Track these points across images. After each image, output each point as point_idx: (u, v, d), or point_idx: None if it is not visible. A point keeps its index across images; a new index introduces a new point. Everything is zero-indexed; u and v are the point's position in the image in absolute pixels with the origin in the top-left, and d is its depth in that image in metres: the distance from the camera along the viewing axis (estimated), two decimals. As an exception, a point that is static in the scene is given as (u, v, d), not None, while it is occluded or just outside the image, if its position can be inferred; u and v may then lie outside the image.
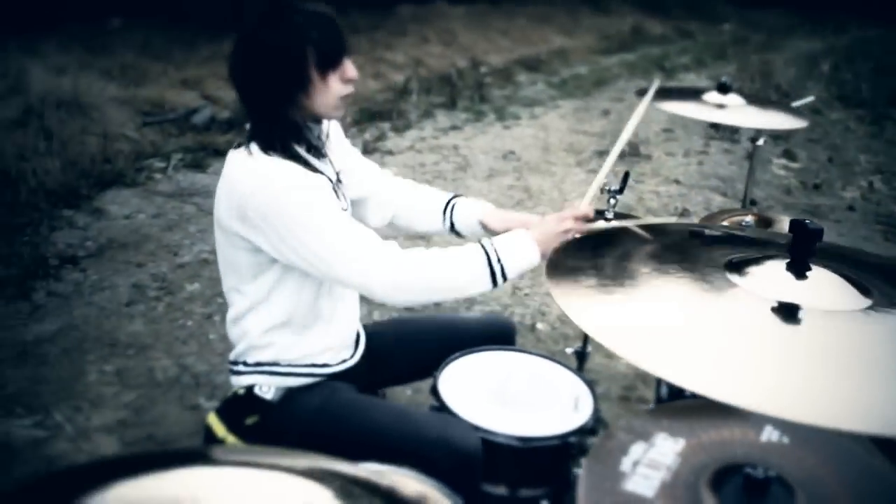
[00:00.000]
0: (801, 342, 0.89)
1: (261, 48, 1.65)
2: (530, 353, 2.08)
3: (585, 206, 1.83)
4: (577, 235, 1.76)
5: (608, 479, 1.26)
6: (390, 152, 6.51)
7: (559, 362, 2.03)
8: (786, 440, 1.34)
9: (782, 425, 1.38)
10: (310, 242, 1.63)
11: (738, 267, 1.01)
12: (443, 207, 2.10)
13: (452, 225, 2.11)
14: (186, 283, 3.96)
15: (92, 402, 2.96)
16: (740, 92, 2.31)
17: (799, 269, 0.97)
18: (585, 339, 2.52)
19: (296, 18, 1.65)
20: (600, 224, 1.83)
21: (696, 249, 1.22)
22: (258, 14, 1.68)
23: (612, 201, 2.14)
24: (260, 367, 1.85)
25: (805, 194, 6.10)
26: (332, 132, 1.95)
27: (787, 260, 0.97)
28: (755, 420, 1.39)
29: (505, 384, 1.92)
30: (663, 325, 1.06)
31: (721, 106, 2.29)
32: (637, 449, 1.31)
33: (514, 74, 10.32)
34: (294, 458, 0.82)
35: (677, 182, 6.14)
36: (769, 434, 1.36)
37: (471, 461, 1.68)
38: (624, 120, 7.91)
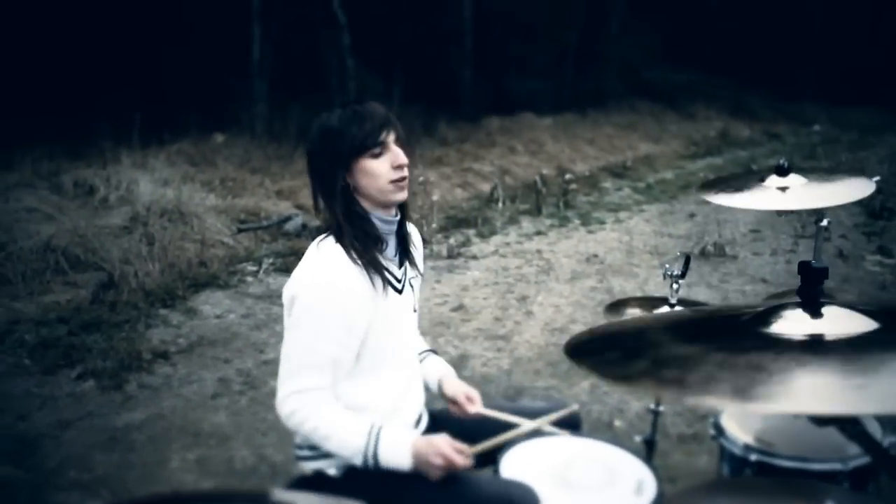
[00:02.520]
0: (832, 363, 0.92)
1: (312, 139, 1.89)
2: (594, 438, 2.07)
3: (466, 459, 1.82)
4: (441, 474, 1.80)
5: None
6: (474, 257, 6.62)
7: (623, 447, 2.01)
8: (847, 518, 1.29)
9: (843, 500, 1.33)
10: (286, 344, 1.85)
11: (760, 322, 1.03)
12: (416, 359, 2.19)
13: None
14: (270, 379, 4.07)
15: (173, 488, 3.05)
16: (801, 170, 2.31)
17: (813, 308, 0.99)
18: (654, 430, 2.47)
19: (342, 112, 1.85)
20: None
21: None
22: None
23: (675, 286, 2.15)
24: (321, 450, 1.91)
25: (901, 290, 5.88)
26: (414, 234, 2.10)
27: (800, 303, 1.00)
28: (814, 495, 1.35)
29: (567, 467, 1.91)
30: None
31: (783, 188, 2.29)
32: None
33: (599, 181, 10.43)
34: None
35: (764, 281, 6.01)
36: (829, 511, 1.31)
37: None
38: (710, 221, 7.89)
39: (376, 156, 1.83)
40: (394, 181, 1.84)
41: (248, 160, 9.26)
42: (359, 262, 1.82)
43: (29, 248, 5.79)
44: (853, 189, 2.23)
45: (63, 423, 3.62)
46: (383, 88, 12.30)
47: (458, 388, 2.14)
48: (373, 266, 1.84)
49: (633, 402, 3.87)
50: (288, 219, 7.14)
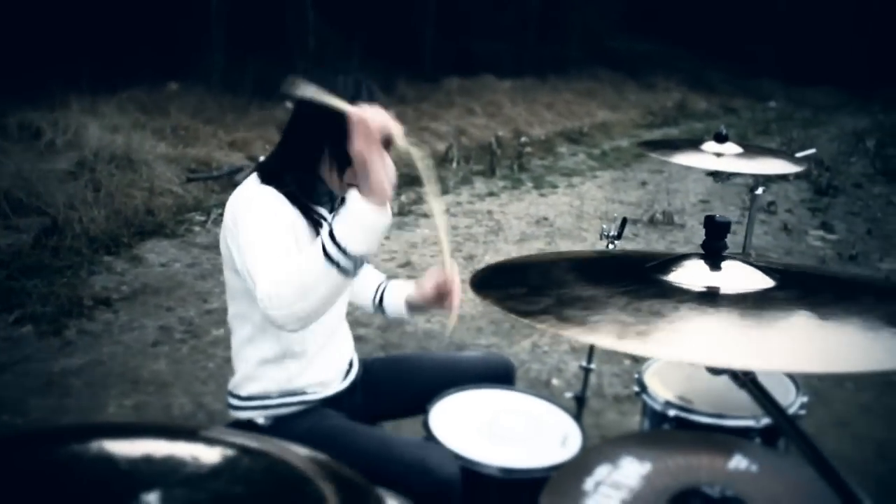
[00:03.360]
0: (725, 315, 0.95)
1: (309, 115, 1.79)
2: (523, 391, 2.11)
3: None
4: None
5: (569, 496, 1.27)
6: (425, 215, 6.63)
7: (551, 401, 2.05)
8: (754, 468, 1.34)
9: (752, 454, 1.38)
10: (244, 255, 1.70)
11: (660, 269, 1.06)
12: (373, 291, 2.16)
13: (382, 308, 2.16)
14: (212, 328, 4.06)
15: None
16: (738, 142, 2.38)
17: (714, 262, 1.02)
18: (584, 387, 2.53)
19: (340, 83, 1.76)
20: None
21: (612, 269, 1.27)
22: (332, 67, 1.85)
23: (612, 247, 2.19)
24: (252, 401, 1.93)
25: (840, 264, 6.03)
26: None
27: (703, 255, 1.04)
28: (725, 448, 1.39)
29: (495, 420, 1.95)
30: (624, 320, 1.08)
31: (719, 154, 2.34)
32: (602, 470, 1.32)
33: (555, 146, 10.47)
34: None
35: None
36: (738, 462, 1.35)
37: (447, 487, 1.70)
38: (660, 190, 8.00)
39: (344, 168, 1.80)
40: (350, 184, 1.83)
41: (203, 110, 9.11)
42: (289, 199, 1.80)
43: (-31, 190, 5.66)
44: (783, 163, 2.28)
45: (-1, 366, 3.59)
46: (344, 44, 12.13)
47: (425, 288, 2.04)
48: (303, 206, 1.83)
49: (571, 361, 3.94)
50: (239, 170, 7.06)
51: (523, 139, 9.63)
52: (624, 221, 2.22)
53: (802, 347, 0.91)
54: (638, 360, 3.99)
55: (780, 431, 1.75)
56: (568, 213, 7.05)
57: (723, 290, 1.00)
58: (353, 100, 1.67)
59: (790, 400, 1.80)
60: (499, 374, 2.18)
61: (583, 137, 11.18)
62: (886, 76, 17.20)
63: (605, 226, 2.26)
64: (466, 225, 6.43)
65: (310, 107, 1.73)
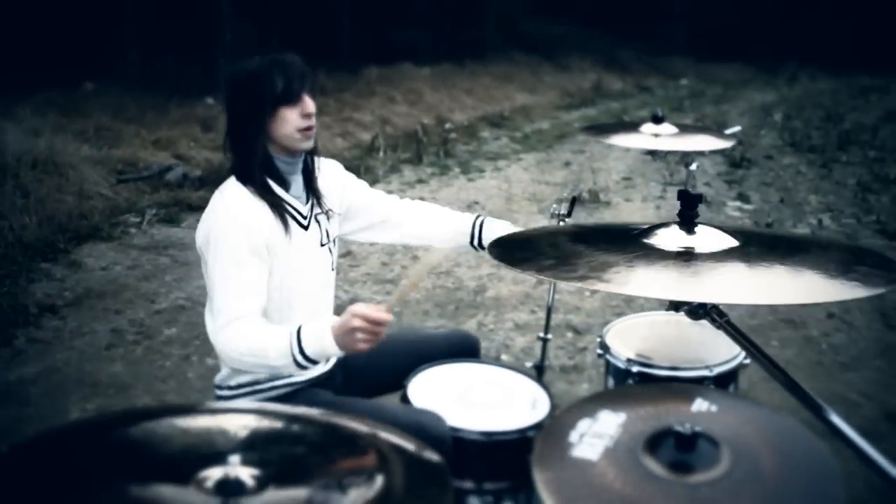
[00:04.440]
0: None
1: (233, 85, 1.97)
2: (491, 363, 2.27)
3: (384, 314, 1.83)
4: (368, 338, 1.82)
5: (558, 448, 1.43)
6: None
7: (517, 370, 2.21)
8: (714, 409, 1.51)
9: (710, 397, 1.55)
10: (211, 281, 1.92)
11: (644, 234, 1.23)
12: (469, 229, 2.31)
13: (480, 243, 2.30)
14: (164, 328, 4.10)
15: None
16: (673, 123, 2.59)
17: (689, 227, 1.19)
18: (543, 356, 2.70)
19: (262, 60, 1.93)
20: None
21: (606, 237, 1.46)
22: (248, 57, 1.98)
23: (562, 225, 2.35)
24: (242, 390, 2.03)
25: (758, 235, 6.39)
26: (329, 171, 2.20)
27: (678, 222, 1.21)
28: (687, 394, 1.57)
29: (469, 390, 2.10)
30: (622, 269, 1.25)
31: (656, 135, 2.54)
32: (583, 424, 1.47)
33: (478, 131, 10.65)
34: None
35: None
36: (699, 405, 1.53)
37: (442, 445, 1.85)
38: (584, 170, 8.26)
39: (290, 104, 1.93)
40: (302, 129, 1.95)
41: (122, 109, 8.95)
42: (261, 198, 1.92)
43: None
44: (712, 143, 2.49)
45: (-50, 380, 3.56)
46: (260, 37, 12.04)
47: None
48: (275, 204, 1.94)
49: (517, 337, 4.13)
50: (168, 169, 7.01)
51: (448, 125, 9.79)
52: (573, 200, 2.38)
53: (746, 286, 1.08)
54: (580, 332, 4.20)
55: (730, 378, 1.95)
56: (497, 197, 7.23)
57: (697, 250, 1.16)
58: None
59: (736, 351, 2.01)
60: (466, 348, 2.34)
61: (504, 121, 11.40)
62: (789, 51, 17.97)
63: (555, 205, 2.43)
64: (401, 213, 6.54)
65: (238, 95, 1.94)
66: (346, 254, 5.41)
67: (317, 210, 2.11)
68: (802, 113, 12.42)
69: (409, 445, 1.07)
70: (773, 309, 4.68)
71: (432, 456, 1.07)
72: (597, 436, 1.42)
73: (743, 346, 1.15)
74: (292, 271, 2.01)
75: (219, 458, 0.92)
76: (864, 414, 3.46)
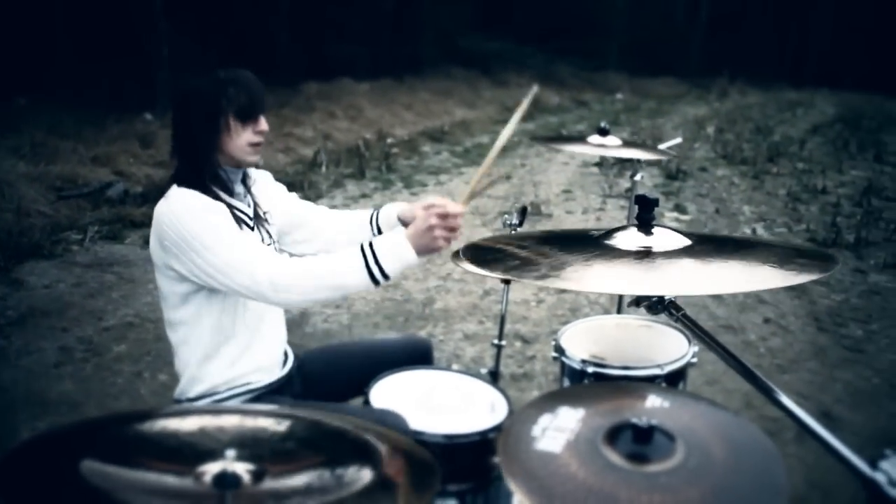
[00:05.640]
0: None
1: (187, 97, 1.98)
2: (449, 369, 2.35)
3: (456, 205, 1.91)
4: (446, 234, 1.87)
5: (522, 441, 1.51)
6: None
7: (475, 376, 2.30)
8: (667, 404, 1.61)
9: (662, 394, 1.66)
10: (209, 258, 1.87)
11: (605, 237, 1.34)
12: (369, 220, 2.32)
13: (380, 230, 2.31)
14: (113, 345, 4.07)
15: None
16: (616, 136, 2.75)
17: (646, 229, 1.30)
18: (497, 362, 2.79)
19: (219, 74, 1.97)
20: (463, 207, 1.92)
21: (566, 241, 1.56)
22: (192, 72, 2.00)
23: (513, 233, 2.45)
24: (202, 400, 2.07)
25: (693, 245, 6.61)
26: (261, 179, 2.24)
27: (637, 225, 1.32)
28: (640, 391, 1.67)
29: (429, 395, 2.17)
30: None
31: (602, 146, 2.68)
32: (545, 419, 1.56)
33: (419, 145, 10.76)
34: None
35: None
36: (652, 401, 1.63)
37: None
38: (525, 183, 8.43)
39: (246, 122, 1.98)
40: (252, 144, 2.00)
41: (58, 125, 8.79)
42: (212, 199, 1.96)
43: None
44: (652, 154, 2.63)
45: None
46: (199, 52, 11.96)
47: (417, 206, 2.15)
48: (225, 204, 1.99)
49: (466, 347, 4.22)
50: (109, 185, 6.93)
51: (389, 140, 9.87)
52: (524, 210, 2.48)
53: (701, 278, 1.19)
54: (528, 341, 4.31)
55: (679, 377, 2.07)
56: (441, 210, 7.32)
57: (655, 249, 1.26)
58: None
59: (685, 350, 2.13)
60: (420, 353, 2.42)
61: (444, 136, 11.54)
62: (719, 66, 18.55)
63: (506, 215, 2.53)
64: (346, 227, 6.58)
65: (192, 108, 1.95)
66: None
67: (259, 211, 2.16)
68: (734, 126, 12.86)
69: (390, 436, 1.14)
70: (712, 316, 4.88)
71: (414, 446, 1.14)
72: (558, 430, 1.51)
73: (699, 337, 1.25)
74: None
75: (215, 454, 0.98)
76: (800, 413, 3.64)
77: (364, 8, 14.83)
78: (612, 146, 2.70)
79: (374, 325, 4.50)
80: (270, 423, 1.11)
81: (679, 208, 7.65)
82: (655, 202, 1.34)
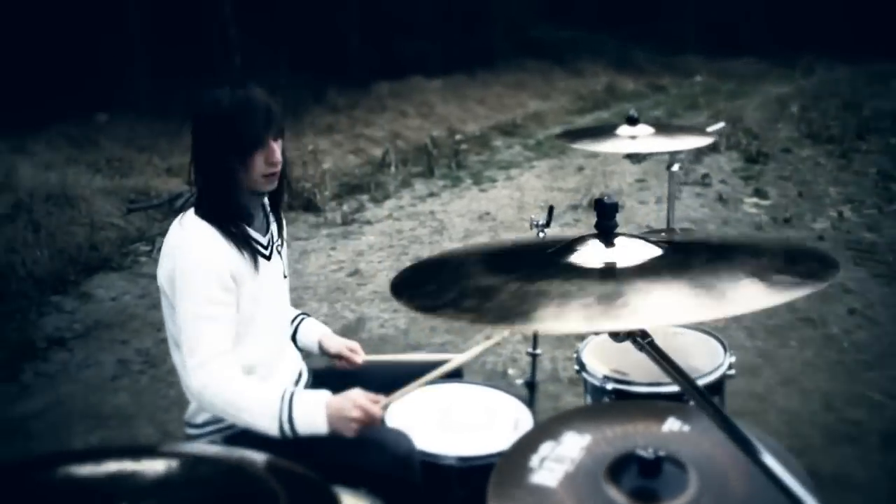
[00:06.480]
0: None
1: (203, 123, 1.93)
2: (474, 382, 2.23)
3: (380, 410, 1.88)
4: (359, 428, 1.85)
5: (517, 473, 1.38)
6: (368, 222, 6.72)
7: (502, 389, 2.17)
8: (686, 429, 1.45)
9: (685, 416, 1.50)
10: (180, 321, 1.89)
11: (562, 253, 1.19)
12: (291, 320, 2.30)
13: (294, 339, 2.31)
14: (168, 357, 4.09)
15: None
16: (649, 123, 2.56)
17: (608, 240, 1.15)
18: (533, 372, 2.66)
19: (231, 100, 1.89)
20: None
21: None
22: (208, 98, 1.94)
23: (542, 235, 2.31)
24: (208, 427, 2.04)
25: (776, 228, 6.26)
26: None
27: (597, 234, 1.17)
28: (660, 413, 1.51)
29: (449, 411, 2.06)
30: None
31: (633, 137, 2.50)
32: (546, 447, 1.42)
33: (490, 140, 10.62)
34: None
35: (649, 227, 6.33)
36: (671, 425, 1.47)
37: (405, 463, 1.81)
38: (597, 174, 8.19)
39: (256, 150, 1.90)
40: (266, 175, 1.93)
41: (134, 138, 9.05)
42: (226, 236, 1.90)
43: None
44: (694, 138, 2.44)
45: (-43, 419, 3.59)
46: (270, 57, 12.12)
47: (339, 343, 2.27)
48: (240, 238, 1.92)
49: (524, 350, 4.07)
50: (179, 196, 7.05)
51: (458, 136, 9.76)
52: (551, 210, 2.34)
53: (668, 304, 1.04)
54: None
55: (713, 393, 1.89)
56: (509, 206, 7.19)
57: (619, 265, 1.12)
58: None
59: (718, 361, 1.94)
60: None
61: (516, 129, 11.36)
62: (804, 42, 17.73)
63: (533, 215, 2.39)
64: (411, 228, 6.53)
65: (204, 126, 1.90)
66: (354, 272, 5.40)
67: (277, 241, 2.10)
68: (820, 103, 12.23)
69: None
70: (790, 307, 4.60)
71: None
72: (558, 460, 1.37)
73: (667, 372, 1.10)
74: (258, 303, 1.99)
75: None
76: (888, 415, 3.35)
77: (433, 4, 14.76)
78: (644, 136, 2.51)
79: (430, 329, 4.40)
80: (185, 466, 1.02)
81: (759, 193, 7.29)
82: (615, 207, 1.18)
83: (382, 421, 1.92)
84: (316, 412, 1.84)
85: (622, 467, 1.31)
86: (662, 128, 2.60)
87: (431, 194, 7.78)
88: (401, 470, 1.81)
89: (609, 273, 1.10)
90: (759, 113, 11.77)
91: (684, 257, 1.14)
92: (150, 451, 1.07)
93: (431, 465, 1.85)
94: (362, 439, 1.85)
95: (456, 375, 2.30)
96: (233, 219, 1.93)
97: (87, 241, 5.85)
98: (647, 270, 1.07)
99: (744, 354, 3.99)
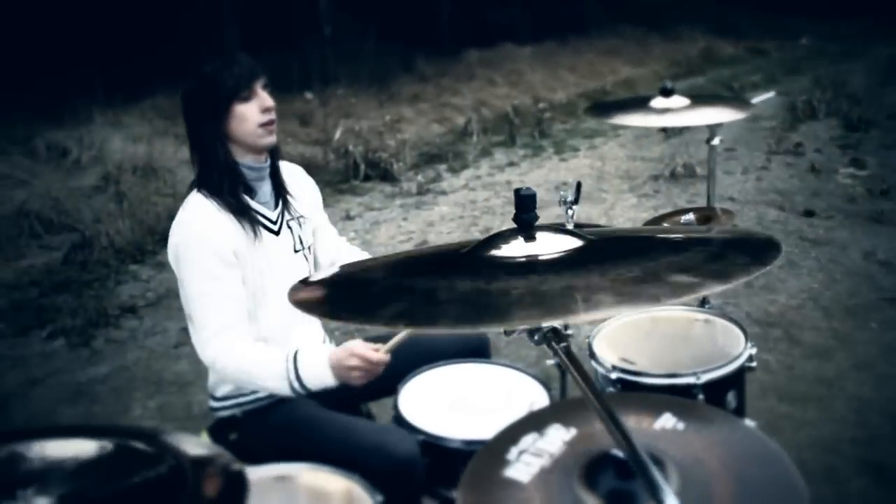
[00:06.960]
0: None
1: (186, 93, 1.98)
2: (494, 363, 2.16)
3: (383, 355, 1.91)
4: (364, 376, 1.89)
5: (493, 466, 1.32)
6: (444, 192, 6.68)
7: (521, 370, 2.10)
8: (680, 426, 1.36)
9: (682, 412, 1.41)
10: (187, 297, 1.95)
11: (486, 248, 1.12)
12: None
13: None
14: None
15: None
16: (684, 93, 2.39)
17: (528, 234, 1.07)
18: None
19: (211, 63, 1.93)
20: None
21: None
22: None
23: (570, 212, 2.21)
24: (228, 400, 2.05)
25: (870, 201, 5.88)
26: (299, 175, 2.18)
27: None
28: (657, 407, 1.42)
29: (464, 394, 2.01)
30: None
31: (666, 109, 2.35)
32: (528, 439, 1.36)
33: (577, 108, 10.38)
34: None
35: (731, 199, 6.07)
36: (665, 421, 1.38)
37: (407, 466, 1.77)
38: (682, 143, 7.87)
39: (245, 100, 1.91)
40: (262, 125, 1.93)
41: (224, 110, 9.25)
42: (226, 208, 1.90)
43: (2, 215, 5.88)
44: (734, 111, 2.28)
45: (32, 381, 3.76)
46: (359, 27, 12.16)
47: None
48: (240, 212, 1.92)
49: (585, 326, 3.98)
50: (261, 166, 7.19)
51: (541, 105, 9.57)
52: (579, 186, 2.23)
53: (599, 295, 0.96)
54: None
55: (725, 386, 1.77)
56: (588, 176, 7.02)
57: (541, 257, 1.04)
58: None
59: (739, 350, 1.81)
60: (473, 349, 2.23)
61: (605, 96, 11.04)
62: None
63: (562, 192, 2.28)
64: (485, 198, 6.46)
65: (192, 102, 1.96)
66: (422, 244, 5.39)
67: (288, 216, 2.09)
68: (939, 64, 11.41)
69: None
70: (876, 286, 4.33)
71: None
72: (536, 454, 1.30)
73: (575, 380, 1.02)
74: (265, 278, 1.99)
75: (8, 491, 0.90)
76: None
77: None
78: (678, 108, 2.35)
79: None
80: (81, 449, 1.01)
81: (856, 163, 6.85)
82: (533, 199, 1.10)
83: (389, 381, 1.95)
84: (321, 366, 1.88)
85: (598, 467, 1.24)
86: (699, 99, 2.44)
87: (511, 164, 7.68)
88: (403, 473, 1.77)
89: (532, 267, 1.02)
90: (865, 77, 11.09)
91: (605, 251, 1.05)
92: (82, 432, 1.08)
93: (437, 448, 1.81)
94: (365, 444, 1.82)
95: (482, 356, 2.25)
96: (231, 190, 1.92)
97: (166, 211, 6.02)
98: (571, 263, 1.00)
99: (816, 336, 3.78)
